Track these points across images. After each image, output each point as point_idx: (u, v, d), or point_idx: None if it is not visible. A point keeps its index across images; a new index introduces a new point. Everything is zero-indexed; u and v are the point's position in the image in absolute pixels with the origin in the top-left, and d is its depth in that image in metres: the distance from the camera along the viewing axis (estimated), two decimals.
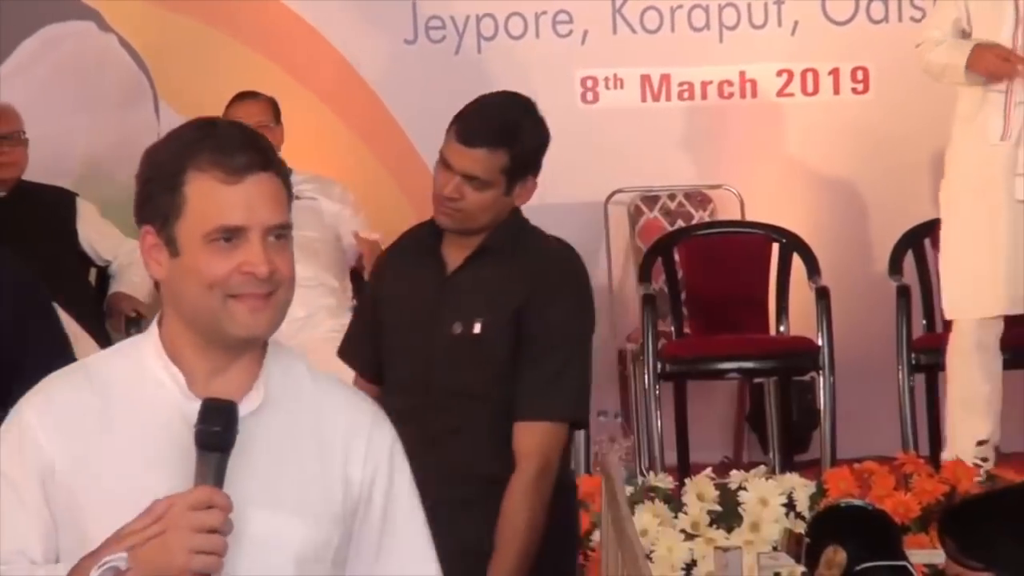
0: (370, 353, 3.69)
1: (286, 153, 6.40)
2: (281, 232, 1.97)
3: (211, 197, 1.94)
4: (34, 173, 6.05)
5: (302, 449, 2.01)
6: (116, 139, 6.65)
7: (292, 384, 2.05)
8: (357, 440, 2.04)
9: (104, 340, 5.47)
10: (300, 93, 6.74)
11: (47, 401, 2.00)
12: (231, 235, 1.93)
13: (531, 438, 3.41)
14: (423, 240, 3.56)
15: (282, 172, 2.00)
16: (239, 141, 1.99)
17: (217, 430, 1.87)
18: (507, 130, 3.44)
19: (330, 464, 2.01)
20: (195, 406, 1.91)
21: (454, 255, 3.49)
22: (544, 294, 3.44)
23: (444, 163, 3.42)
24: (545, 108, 6.73)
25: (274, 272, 1.94)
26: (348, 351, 3.94)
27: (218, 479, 1.86)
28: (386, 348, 3.56)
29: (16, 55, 6.81)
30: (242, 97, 5.99)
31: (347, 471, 2.01)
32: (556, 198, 6.91)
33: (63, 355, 2.74)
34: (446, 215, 3.41)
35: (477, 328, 3.41)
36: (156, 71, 6.81)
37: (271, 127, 6.33)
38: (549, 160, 6.89)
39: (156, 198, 1.97)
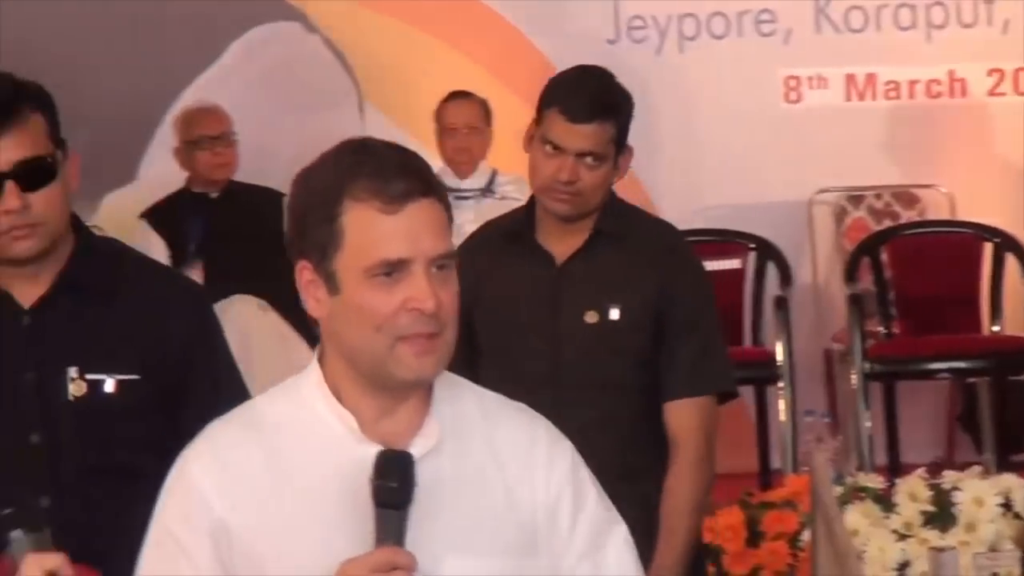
0: (460, 357, 3.41)
1: (491, 153, 6.44)
2: (444, 262, 1.84)
3: (370, 229, 1.81)
4: (242, 174, 6.16)
5: (483, 483, 1.90)
6: (321, 140, 6.53)
7: (462, 415, 1.93)
8: (536, 464, 1.93)
9: (314, 341, 5.47)
10: (503, 93, 6.77)
11: (214, 456, 1.89)
12: (393, 269, 1.80)
13: (690, 416, 3.35)
14: (515, 233, 3.41)
15: (443, 196, 1.86)
16: (397, 165, 1.85)
17: (394, 486, 1.77)
18: (611, 101, 3.33)
19: (513, 494, 1.90)
20: (368, 450, 1.82)
21: (559, 244, 3.36)
22: (676, 272, 3.36)
23: (551, 147, 3.27)
24: (747, 108, 6.69)
25: (440, 308, 1.81)
26: None
27: (399, 536, 1.76)
28: (493, 350, 3.40)
29: (225, 57, 6.94)
30: (455, 96, 6.00)
31: (533, 497, 1.90)
32: (760, 197, 6.94)
33: (230, 385, 2.66)
34: (563, 201, 3.27)
35: (615, 315, 3.30)
36: (361, 72, 6.88)
37: (481, 128, 6.33)
38: (753, 159, 6.90)
39: (312, 230, 1.84)
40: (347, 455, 1.83)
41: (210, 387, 2.65)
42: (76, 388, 2.61)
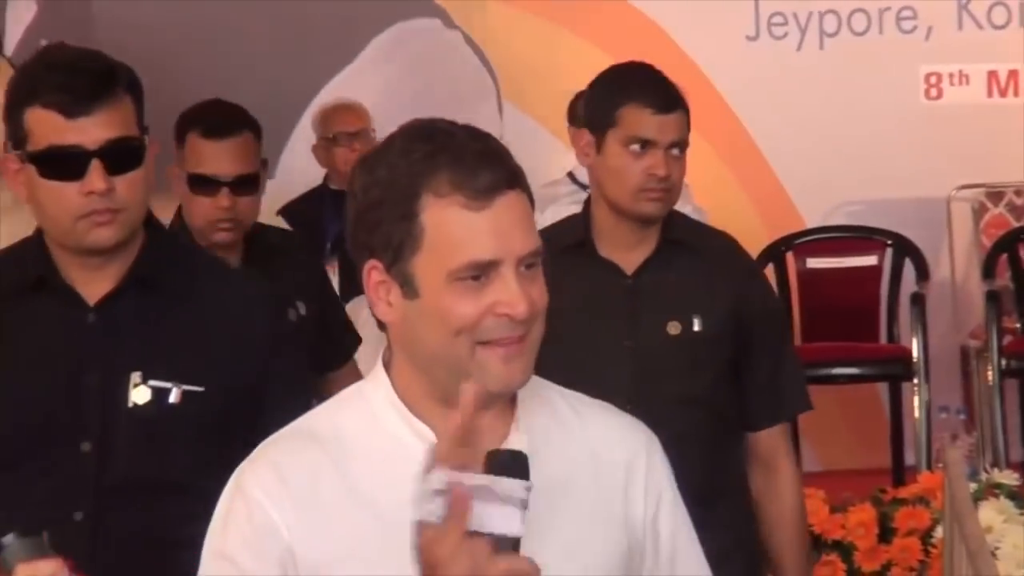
0: None
1: None
2: (533, 260, 1.66)
3: (455, 227, 1.63)
4: None
5: (579, 494, 1.74)
6: None
7: (555, 420, 1.77)
8: (636, 473, 1.78)
9: None
10: None
11: (278, 476, 1.70)
12: (481, 271, 1.63)
13: (781, 441, 3.29)
14: (575, 243, 3.20)
15: (526, 186, 1.68)
16: (479, 153, 1.65)
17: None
18: (678, 90, 3.18)
19: (611, 504, 1.76)
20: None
21: (624, 253, 3.18)
22: (751, 283, 3.27)
23: (639, 145, 3.06)
24: (887, 104, 6.65)
25: (532, 309, 1.64)
26: None
27: (516, 545, 1.57)
28: (563, 365, 3.09)
29: (365, 53, 6.96)
30: None
31: (629, 510, 1.76)
32: (898, 193, 6.89)
33: (303, 395, 2.46)
34: (658, 200, 3.08)
35: (697, 326, 3.14)
36: (500, 69, 6.91)
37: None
38: (892, 156, 6.87)
39: (385, 227, 1.65)
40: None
41: (281, 404, 2.37)
42: (138, 395, 2.39)
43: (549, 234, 3.41)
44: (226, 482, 1.84)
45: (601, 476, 1.75)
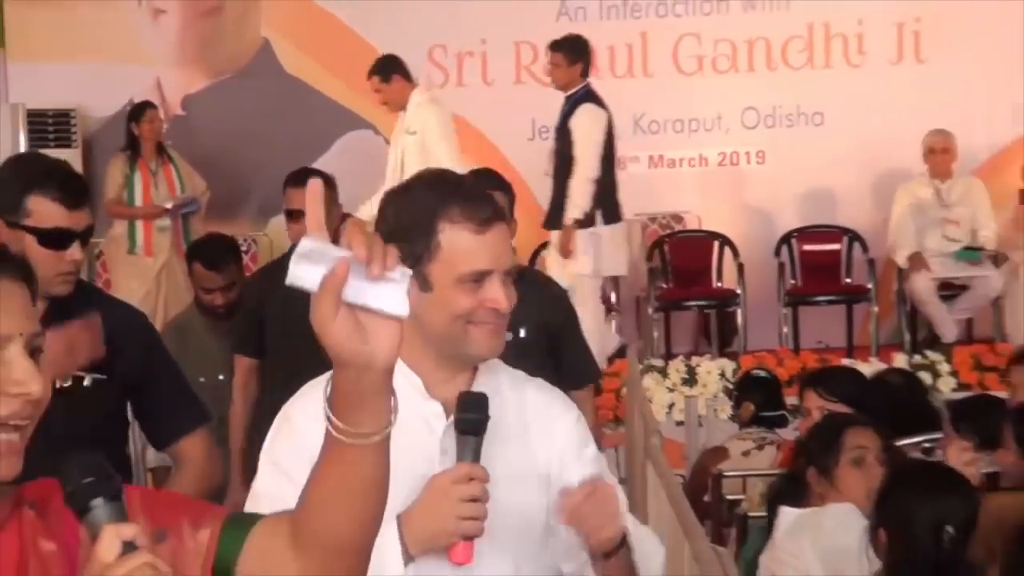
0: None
1: None
2: (511, 272, 2.36)
3: (464, 245, 2.29)
4: None
5: (516, 429, 2.44)
6: None
7: (501, 384, 2.46)
8: (554, 419, 2.50)
9: None
10: None
11: (309, 402, 2.26)
12: (479, 277, 2.30)
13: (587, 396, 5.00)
14: None
15: (509, 221, 2.49)
16: (482, 195, 2.39)
17: (474, 417, 2.27)
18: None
19: (535, 444, 2.46)
20: (430, 406, 2.36)
21: None
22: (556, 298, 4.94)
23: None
24: None
25: (511, 305, 2.34)
26: None
27: (475, 457, 2.25)
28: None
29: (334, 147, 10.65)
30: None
31: (551, 446, 2.46)
32: None
33: (182, 378, 3.62)
34: None
35: (522, 334, 4.31)
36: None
37: None
38: None
39: (411, 241, 2.26)
40: (413, 410, 2.20)
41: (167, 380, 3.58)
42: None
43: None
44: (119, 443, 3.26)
45: (529, 426, 2.46)
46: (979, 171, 10.11)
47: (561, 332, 4.69)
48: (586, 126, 8.41)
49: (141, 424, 3.57)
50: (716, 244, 10.36)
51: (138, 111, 9.69)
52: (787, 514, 4.51)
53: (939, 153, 9.60)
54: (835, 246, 10.51)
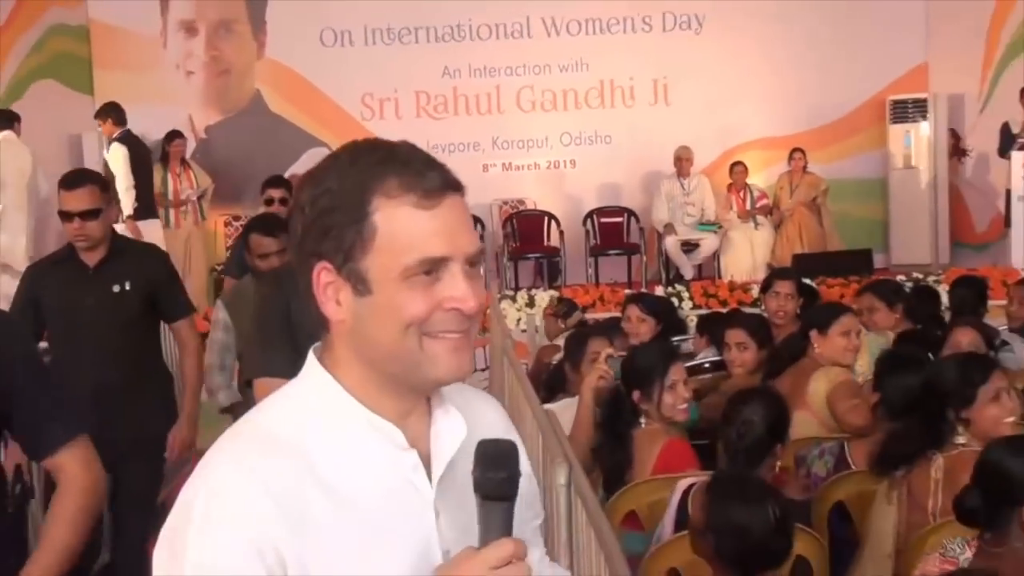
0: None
1: None
2: (477, 260, 1.58)
3: (407, 226, 1.53)
4: None
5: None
6: None
7: (456, 400, 1.70)
8: (512, 435, 1.73)
9: None
10: None
11: (252, 476, 1.50)
12: (432, 267, 1.54)
13: None
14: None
15: (464, 193, 1.59)
16: (425, 160, 1.59)
17: (504, 476, 1.51)
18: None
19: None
20: (410, 457, 1.60)
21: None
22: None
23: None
24: None
25: (479, 305, 1.56)
26: None
27: (507, 528, 1.51)
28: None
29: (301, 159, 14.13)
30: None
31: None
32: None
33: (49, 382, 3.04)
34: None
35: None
36: None
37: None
38: None
39: (336, 231, 1.56)
40: (392, 466, 1.59)
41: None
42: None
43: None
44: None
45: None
46: (706, 171, 13.84)
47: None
48: None
49: (13, 436, 3.04)
50: (546, 219, 13.66)
51: (169, 137, 12.83)
52: (558, 404, 5.33)
53: (683, 161, 13.36)
54: (619, 219, 13.74)
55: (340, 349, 1.62)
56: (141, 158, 11.76)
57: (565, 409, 5.15)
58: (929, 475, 4.30)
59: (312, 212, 1.59)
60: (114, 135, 11.79)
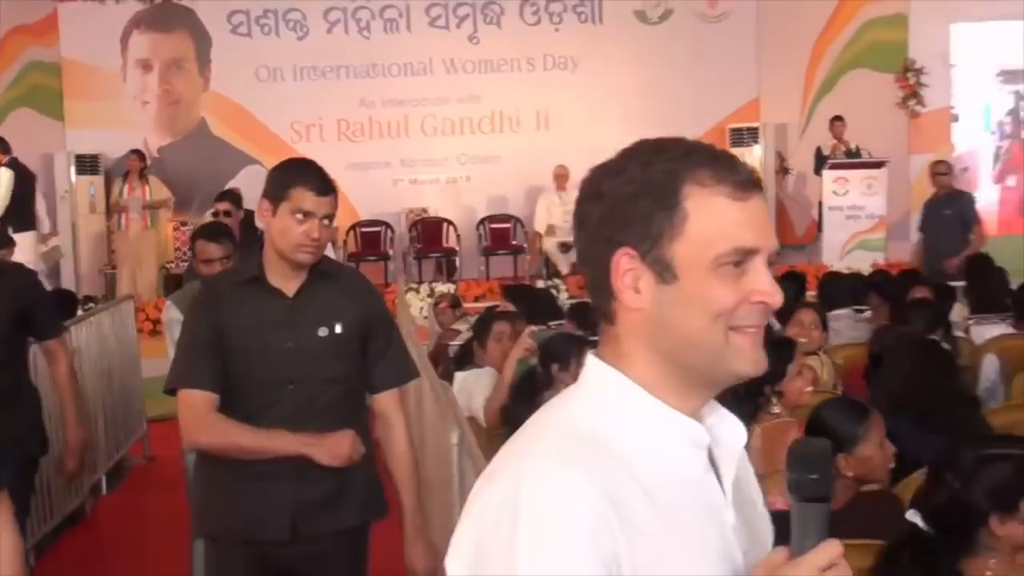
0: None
1: None
2: (775, 259, 1.54)
3: (721, 215, 1.49)
4: None
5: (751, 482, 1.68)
6: None
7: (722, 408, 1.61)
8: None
9: None
10: None
11: (582, 474, 1.40)
12: (743, 258, 1.49)
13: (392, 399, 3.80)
14: (249, 278, 3.71)
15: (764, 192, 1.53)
16: (729, 155, 1.55)
17: (818, 477, 1.43)
18: (330, 179, 3.60)
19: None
20: (702, 457, 1.52)
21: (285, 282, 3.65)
22: (369, 297, 3.85)
23: (304, 214, 3.50)
24: None
25: (781, 302, 1.50)
26: None
27: (826, 529, 1.42)
28: (244, 362, 3.69)
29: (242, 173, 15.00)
30: None
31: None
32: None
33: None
34: (310, 253, 3.57)
35: (338, 330, 3.66)
36: None
37: None
38: None
39: (641, 218, 1.50)
40: (691, 464, 1.51)
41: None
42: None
43: (229, 273, 4.25)
44: None
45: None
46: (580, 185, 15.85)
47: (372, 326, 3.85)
48: None
49: None
50: (445, 224, 15.44)
51: (128, 156, 14.80)
52: (457, 377, 5.60)
53: (560, 177, 15.00)
54: (507, 225, 15.58)
55: (630, 341, 1.53)
56: (24, 180, 13.39)
57: (477, 377, 5.87)
58: (750, 444, 4.34)
59: (613, 199, 1.51)
60: (2, 162, 13.49)
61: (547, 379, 5.11)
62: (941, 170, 12.49)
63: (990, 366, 6.97)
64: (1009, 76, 16.39)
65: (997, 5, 14.76)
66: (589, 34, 16.58)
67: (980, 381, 6.75)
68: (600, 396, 1.52)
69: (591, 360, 1.57)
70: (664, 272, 1.50)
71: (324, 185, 3.51)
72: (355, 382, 3.69)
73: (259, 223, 3.70)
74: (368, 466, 3.71)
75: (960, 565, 3.05)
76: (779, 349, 4.76)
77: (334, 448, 3.49)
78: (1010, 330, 7.67)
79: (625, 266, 1.51)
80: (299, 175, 3.52)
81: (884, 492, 4.05)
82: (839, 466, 3.83)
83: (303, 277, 3.59)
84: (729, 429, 1.57)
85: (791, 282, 8.80)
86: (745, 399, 4.55)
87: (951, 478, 3.12)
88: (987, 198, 15.57)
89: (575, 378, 1.60)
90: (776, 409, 4.72)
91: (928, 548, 3.06)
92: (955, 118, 15.72)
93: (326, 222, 3.50)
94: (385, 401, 3.76)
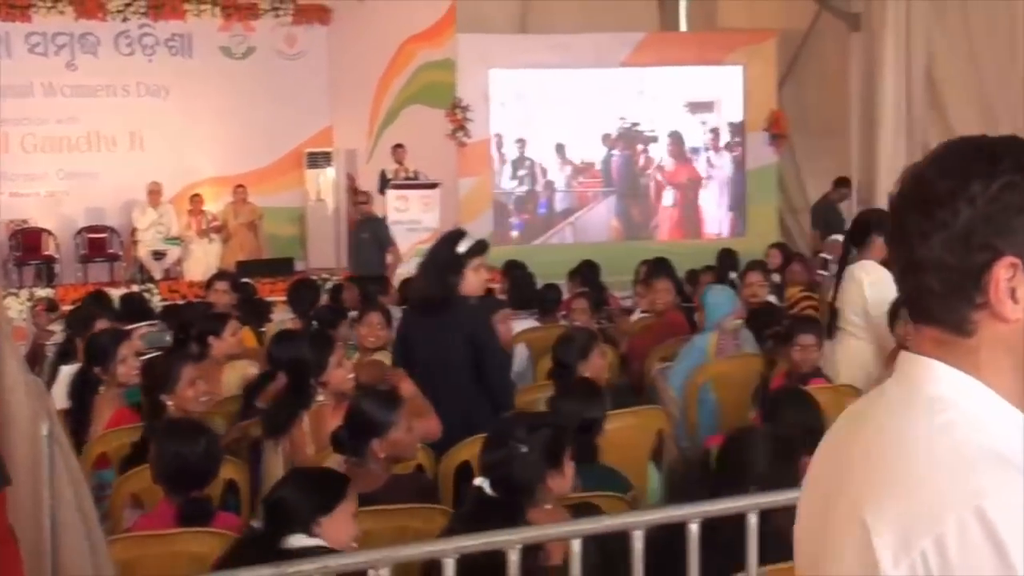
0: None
1: None
2: None
3: None
4: None
5: None
6: None
7: None
8: None
9: None
10: None
11: None
12: None
13: None
14: None
15: None
16: None
17: None
18: None
19: None
20: None
21: None
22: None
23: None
24: None
25: None
26: None
27: None
28: None
29: None
30: None
31: None
32: None
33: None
34: None
35: None
36: None
37: None
38: None
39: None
40: None
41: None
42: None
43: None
44: None
45: None
46: (173, 200, 17.69)
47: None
48: None
49: None
50: (44, 234, 17.18)
51: None
52: (63, 370, 6.00)
53: (153, 193, 17.10)
54: (104, 235, 17.42)
55: (992, 353, 1.46)
56: None
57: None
58: (302, 429, 4.91)
59: (990, 205, 1.43)
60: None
61: (96, 380, 5.58)
62: (361, 199, 15.36)
63: (521, 354, 8.18)
64: (695, 107, 18.57)
65: (527, 57, 17.66)
66: (180, 66, 18.46)
67: (513, 366, 7.67)
68: (976, 412, 1.46)
69: (944, 370, 1.49)
70: None
71: None
72: None
73: None
74: None
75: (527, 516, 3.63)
76: (314, 344, 5.26)
77: None
78: (536, 324, 8.99)
79: (1006, 275, 1.45)
80: None
81: (415, 473, 4.72)
82: (374, 449, 4.24)
83: None
84: None
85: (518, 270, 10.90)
86: (297, 391, 5.15)
87: (513, 446, 3.66)
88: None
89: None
90: (321, 398, 5.17)
91: (499, 507, 3.58)
92: (500, 145, 18.13)
93: None
94: None
